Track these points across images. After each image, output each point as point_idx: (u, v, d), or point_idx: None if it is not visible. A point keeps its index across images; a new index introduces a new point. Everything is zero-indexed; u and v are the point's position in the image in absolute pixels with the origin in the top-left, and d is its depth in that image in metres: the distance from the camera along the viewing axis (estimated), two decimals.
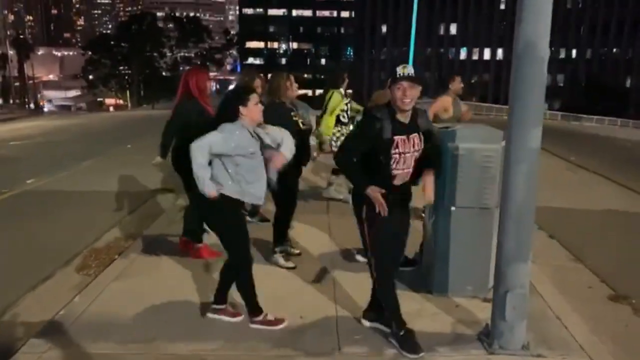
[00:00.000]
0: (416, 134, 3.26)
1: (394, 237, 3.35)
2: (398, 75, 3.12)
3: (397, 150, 3.18)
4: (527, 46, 3.04)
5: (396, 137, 3.17)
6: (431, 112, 5.68)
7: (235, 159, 3.35)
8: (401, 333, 3.32)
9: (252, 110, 3.40)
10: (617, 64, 57.65)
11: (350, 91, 7.05)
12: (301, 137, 4.57)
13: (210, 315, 3.70)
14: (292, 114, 4.61)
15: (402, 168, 3.24)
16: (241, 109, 3.38)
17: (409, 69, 3.16)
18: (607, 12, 57.26)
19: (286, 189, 4.56)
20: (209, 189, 3.32)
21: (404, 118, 3.21)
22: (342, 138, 6.83)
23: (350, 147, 3.28)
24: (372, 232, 3.30)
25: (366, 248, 3.41)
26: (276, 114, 4.25)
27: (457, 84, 5.94)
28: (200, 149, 3.29)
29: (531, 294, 3.85)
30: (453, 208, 3.94)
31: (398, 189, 3.29)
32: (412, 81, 3.12)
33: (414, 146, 3.24)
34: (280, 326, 3.57)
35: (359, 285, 4.13)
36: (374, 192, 3.16)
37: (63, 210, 7.08)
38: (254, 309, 3.60)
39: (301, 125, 4.60)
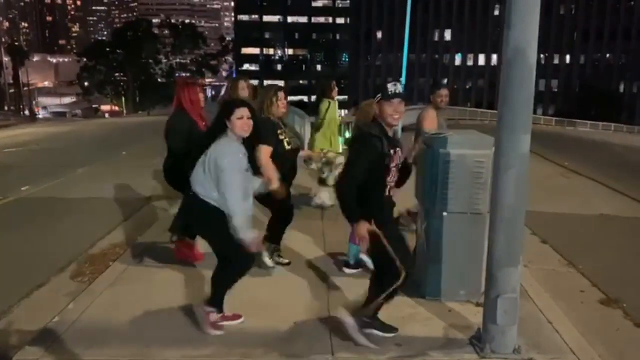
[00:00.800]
0: (398, 148, 3.37)
1: (401, 241, 3.45)
2: (390, 93, 3.21)
3: (392, 164, 3.29)
4: (516, 52, 3.09)
5: (391, 151, 3.28)
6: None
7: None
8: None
9: (234, 123, 3.39)
10: (611, 70, 58.03)
11: (345, 98, 7.09)
12: (288, 157, 4.56)
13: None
14: (279, 132, 4.49)
15: (392, 180, 3.36)
16: (226, 121, 3.42)
17: (399, 87, 3.26)
18: (600, 18, 57.71)
19: (280, 207, 4.61)
20: (251, 236, 3.38)
21: (390, 133, 3.33)
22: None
23: (356, 175, 3.23)
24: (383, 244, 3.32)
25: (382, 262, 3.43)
26: (262, 131, 4.17)
27: (436, 98, 5.62)
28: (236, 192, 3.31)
29: (523, 298, 3.90)
30: (445, 214, 3.98)
31: (389, 199, 3.41)
32: (402, 98, 3.24)
33: (399, 159, 3.36)
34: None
35: (352, 291, 4.16)
36: (363, 230, 3.20)
37: (58, 218, 7.08)
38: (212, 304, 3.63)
39: (286, 145, 4.49)
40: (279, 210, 4.66)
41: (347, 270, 4.71)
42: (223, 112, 3.47)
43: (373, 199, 3.31)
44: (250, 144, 3.73)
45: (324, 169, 6.85)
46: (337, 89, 6.85)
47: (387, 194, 3.36)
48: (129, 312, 3.88)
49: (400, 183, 3.51)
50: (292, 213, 4.84)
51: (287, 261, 4.90)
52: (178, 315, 3.87)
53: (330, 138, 6.74)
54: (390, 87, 3.22)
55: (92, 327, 3.66)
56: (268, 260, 4.70)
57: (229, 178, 3.31)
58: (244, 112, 3.42)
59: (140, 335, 3.57)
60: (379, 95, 3.25)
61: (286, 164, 4.53)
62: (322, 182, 7.01)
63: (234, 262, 3.55)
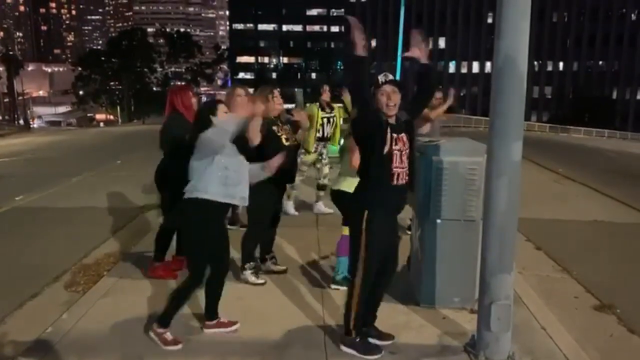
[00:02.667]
0: (404, 134, 3.32)
1: (387, 246, 3.44)
2: (381, 82, 3.26)
3: (396, 147, 3.25)
4: (507, 61, 3.12)
5: (393, 134, 3.25)
6: None
7: (224, 161, 3.39)
8: (357, 339, 3.44)
9: (222, 118, 3.50)
10: (603, 76, 58.48)
11: (340, 105, 7.07)
12: (285, 153, 4.56)
13: (206, 331, 3.72)
14: (275, 128, 4.51)
15: (401, 166, 3.29)
16: (212, 117, 3.47)
17: (390, 76, 3.30)
18: (592, 25, 58.25)
19: (268, 208, 4.59)
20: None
21: (392, 120, 3.32)
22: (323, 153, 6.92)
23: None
24: (368, 241, 3.32)
25: (356, 258, 3.37)
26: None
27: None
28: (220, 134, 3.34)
29: (517, 304, 3.92)
30: (439, 221, 4.00)
31: (398, 191, 3.32)
32: (394, 85, 3.25)
33: (404, 144, 3.31)
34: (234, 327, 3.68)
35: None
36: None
37: (52, 227, 7.06)
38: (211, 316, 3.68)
39: (284, 141, 4.51)
40: (264, 210, 4.63)
41: (333, 286, 4.51)
42: (206, 111, 3.54)
43: (373, 182, 3.30)
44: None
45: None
46: (327, 92, 6.84)
47: (396, 182, 3.28)
48: (122, 322, 3.87)
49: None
50: (279, 217, 4.83)
51: (283, 268, 4.89)
52: (172, 324, 3.85)
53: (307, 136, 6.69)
54: (380, 77, 3.27)
55: (86, 337, 3.65)
56: (252, 277, 4.60)
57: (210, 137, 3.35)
58: (224, 107, 3.59)
59: (134, 344, 3.55)
60: (372, 87, 3.29)
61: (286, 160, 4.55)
62: (321, 187, 7.04)
63: (192, 278, 3.57)
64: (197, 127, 3.47)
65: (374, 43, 63.75)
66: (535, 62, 57.30)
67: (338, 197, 4.30)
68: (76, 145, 21.73)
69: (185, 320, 3.90)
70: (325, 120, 6.75)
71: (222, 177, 3.41)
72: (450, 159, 3.93)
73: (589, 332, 3.95)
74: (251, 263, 4.63)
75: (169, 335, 3.53)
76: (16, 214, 7.95)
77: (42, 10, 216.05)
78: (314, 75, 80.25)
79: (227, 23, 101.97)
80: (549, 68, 60.10)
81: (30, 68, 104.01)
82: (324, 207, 6.99)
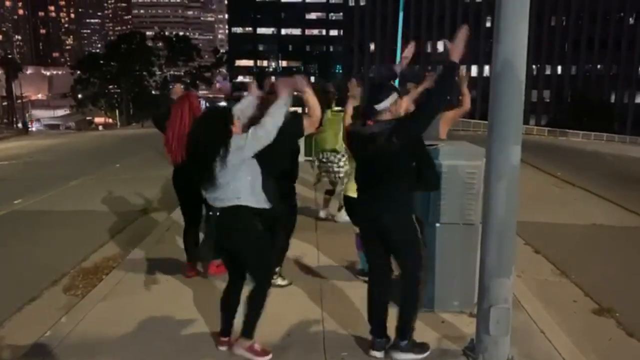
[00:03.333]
0: None
1: None
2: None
3: None
4: (505, 66, 3.13)
5: None
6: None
7: (252, 166, 3.33)
8: (412, 341, 3.45)
9: (237, 126, 3.44)
10: (602, 80, 58.61)
11: (339, 109, 6.99)
12: (295, 155, 4.63)
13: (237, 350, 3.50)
14: None
15: None
16: (231, 127, 3.42)
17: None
18: (590, 28, 58.41)
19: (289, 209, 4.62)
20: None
21: None
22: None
23: None
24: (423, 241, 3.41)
25: (415, 268, 3.37)
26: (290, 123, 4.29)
27: None
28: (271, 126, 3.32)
29: (516, 308, 3.91)
30: (438, 224, 4.00)
31: None
32: None
33: None
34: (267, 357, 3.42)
35: (346, 302, 4.17)
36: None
37: (51, 230, 7.05)
38: (250, 334, 3.45)
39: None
40: (286, 224, 4.65)
41: (361, 278, 4.63)
42: (223, 120, 3.38)
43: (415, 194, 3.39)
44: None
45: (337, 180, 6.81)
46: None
47: None
48: (121, 325, 3.86)
49: None
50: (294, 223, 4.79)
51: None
52: (171, 328, 3.85)
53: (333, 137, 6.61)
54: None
55: (85, 341, 3.64)
56: (281, 281, 4.63)
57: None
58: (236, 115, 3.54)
59: (133, 348, 3.55)
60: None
61: (293, 161, 4.58)
62: (330, 192, 7.01)
63: (264, 283, 3.46)
64: (219, 137, 3.28)
65: (372, 47, 63.89)
66: (534, 66, 57.41)
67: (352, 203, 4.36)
68: (75, 148, 21.71)
69: (183, 325, 3.89)
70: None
71: (252, 181, 3.31)
72: (449, 163, 3.93)
73: (587, 335, 3.95)
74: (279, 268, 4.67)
75: (257, 346, 3.43)
76: (14, 217, 7.94)
77: (41, 13, 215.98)
78: (312, 78, 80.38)
79: (226, 26, 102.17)
80: (548, 71, 60.19)
81: (29, 71, 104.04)
82: (323, 212, 7.00)
